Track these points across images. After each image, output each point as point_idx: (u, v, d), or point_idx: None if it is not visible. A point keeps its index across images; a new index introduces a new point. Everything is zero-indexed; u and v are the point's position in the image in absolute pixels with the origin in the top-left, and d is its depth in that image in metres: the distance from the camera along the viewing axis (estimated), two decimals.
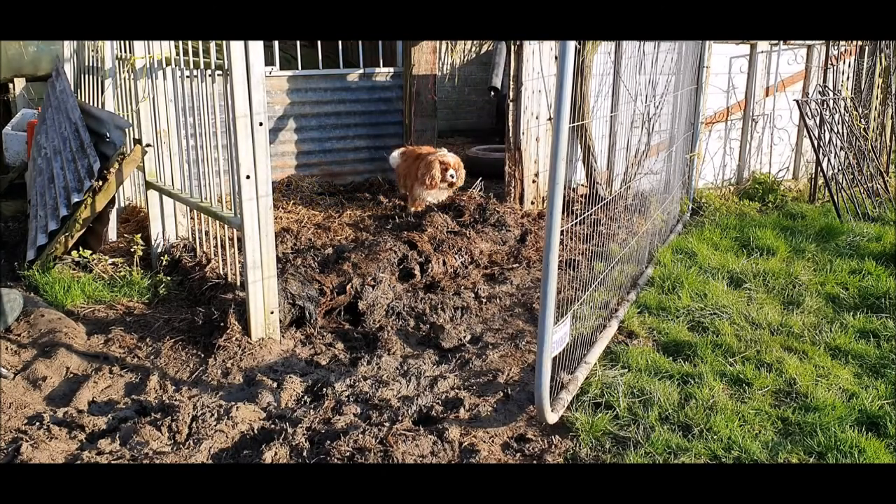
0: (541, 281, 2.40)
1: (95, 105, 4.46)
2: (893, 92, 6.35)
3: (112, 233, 4.37)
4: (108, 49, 4.27)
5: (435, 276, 3.97)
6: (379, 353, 3.14)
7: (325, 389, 2.81)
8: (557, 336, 2.47)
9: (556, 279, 2.35)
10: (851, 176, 5.69)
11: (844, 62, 6.20)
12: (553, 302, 2.36)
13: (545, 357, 2.41)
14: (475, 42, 9.20)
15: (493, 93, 8.77)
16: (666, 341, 3.26)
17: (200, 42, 3.46)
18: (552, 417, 2.55)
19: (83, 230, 3.96)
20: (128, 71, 4.09)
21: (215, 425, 2.51)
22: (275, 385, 2.86)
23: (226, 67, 2.99)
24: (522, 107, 5.17)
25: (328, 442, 2.42)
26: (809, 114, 5.69)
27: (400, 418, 2.61)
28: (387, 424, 2.53)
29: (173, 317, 3.49)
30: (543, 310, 2.37)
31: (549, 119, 5.28)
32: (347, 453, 2.35)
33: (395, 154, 5.42)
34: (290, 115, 6.00)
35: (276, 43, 5.96)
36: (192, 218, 4.13)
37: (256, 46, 2.96)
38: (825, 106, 5.76)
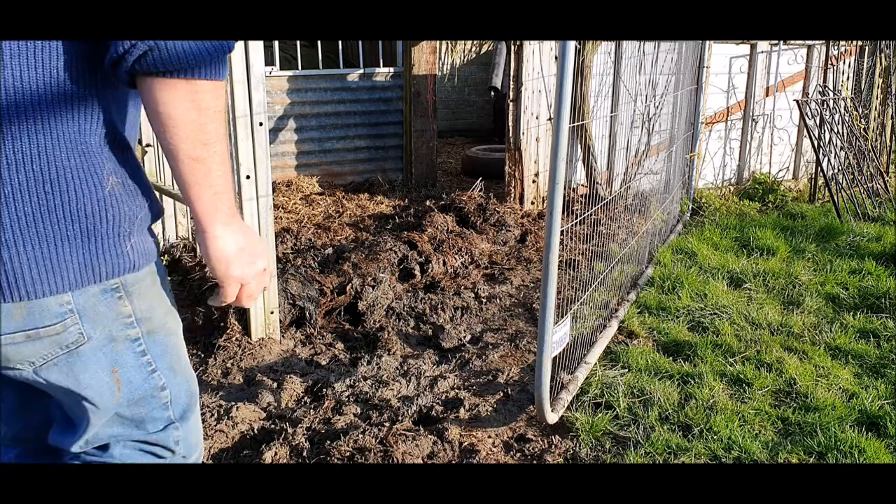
0: (541, 281, 2.40)
1: None
2: (893, 92, 6.35)
3: None
4: None
5: (435, 276, 3.97)
6: (379, 354, 3.14)
7: (325, 389, 2.81)
8: (557, 336, 2.47)
9: (556, 279, 2.35)
10: (851, 176, 5.70)
11: (844, 62, 6.21)
12: (553, 302, 2.36)
13: (545, 357, 2.41)
14: (475, 42, 9.21)
15: (493, 93, 8.79)
16: (666, 341, 3.26)
17: None
18: (552, 417, 2.55)
19: None
20: None
21: (215, 425, 2.51)
22: (275, 385, 2.86)
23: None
24: (522, 107, 5.17)
25: (328, 442, 2.42)
26: (809, 114, 5.69)
27: (400, 418, 2.61)
28: (387, 424, 2.53)
29: None
30: (543, 310, 2.37)
31: (549, 119, 5.28)
32: (347, 453, 2.36)
33: None
34: (290, 115, 6.00)
35: (276, 43, 5.97)
36: (192, 218, 4.13)
37: (256, 46, 2.97)
38: (825, 106, 5.76)
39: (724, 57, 5.94)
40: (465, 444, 2.47)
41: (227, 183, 1.08)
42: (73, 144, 1.00)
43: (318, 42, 6.02)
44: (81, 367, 1.07)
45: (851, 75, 6.26)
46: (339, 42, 6.02)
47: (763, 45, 6.05)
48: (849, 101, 6.01)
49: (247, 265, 1.14)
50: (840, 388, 2.86)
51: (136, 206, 1.11)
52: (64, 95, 0.99)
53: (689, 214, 5.41)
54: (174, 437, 1.24)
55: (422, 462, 2.37)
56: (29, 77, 0.97)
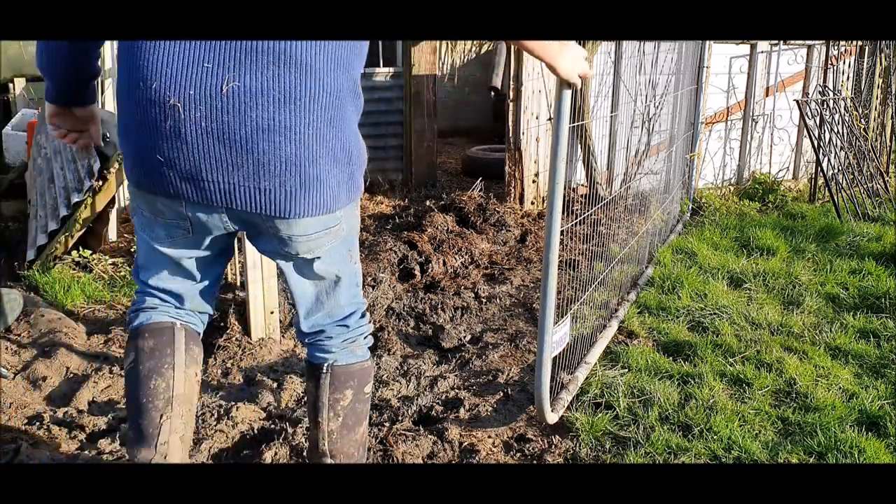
0: (541, 281, 2.40)
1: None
2: (893, 92, 6.35)
3: (112, 233, 4.37)
4: (109, 49, 4.27)
5: (435, 276, 3.97)
6: (379, 353, 3.14)
7: None
8: (557, 336, 2.47)
9: (555, 279, 2.35)
10: (851, 176, 5.70)
11: (844, 62, 6.21)
12: (553, 302, 2.36)
13: (545, 357, 2.41)
14: (475, 42, 9.20)
15: (493, 93, 8.79)
16: (666, 341, 3.26)
17: None
18: (552, 417, 2.55)
19: (83, 230, 3.96)
20: None
21: (215, 425, 2.51)
22: (275, 385, 2.86)
23: None
24: (522, 107, 5.17)
25: None
26: (809, 114, 5.69)
27: (400, 418, 2.61)
28: (387, 424, 2.53)
29: None
30: (543, 310, 2.37)
31: (549, 119, 5.28)
32: None
33: None
34: None
35: None
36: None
37: None
38: (825, 106, 5.76)
39: (724, 57, 5.94)
40: (465, 444, 2.47)
41: (552, 46, 1.72)
42: (347, 110, 1.57)
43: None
44: (336, 249, 1.71)
45: (851, 75, 6.26)
46: None
47: (763, 45, 6.05)
48: (849, 101, 6.01)
49: (579, 67, 1.83)
50: (840, 388, 2.86)
51: (364, 148, 1.69)
52: (352, 83, 1.57)
53: (689, 214, 5.41)
54: (361, 295, 1.89)
55: (422, 462, 2.37)
56: (336, 73, 1.51)
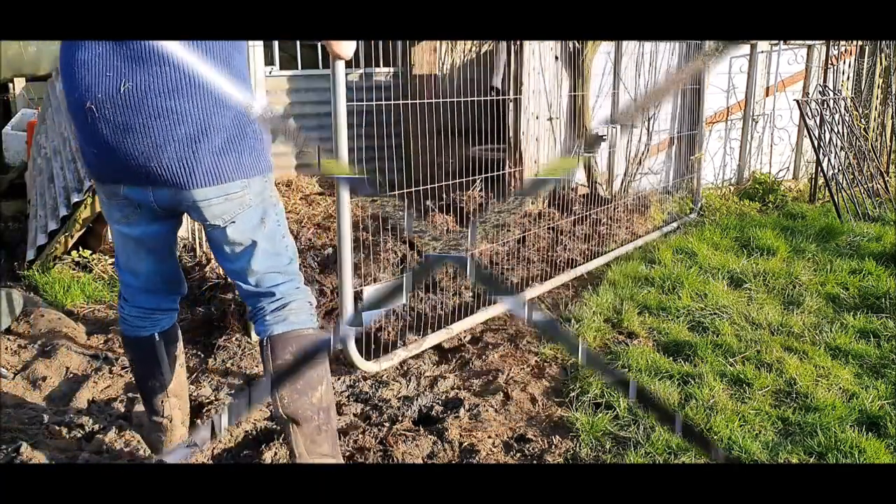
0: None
1: None
2: (893, 92, 6.35)
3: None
4: None
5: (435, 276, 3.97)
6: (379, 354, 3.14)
7: None
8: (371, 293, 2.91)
9: (350, 244, 2.84)
10: (851, 176, 5.69)
11: (844, 62, 6.20)
12: (349, 266, 2.85)
13: (346, 297, 2.84)
14: (475, 42, 9.19)
15: (493, 93, 8.77)
16: (666, 341, 3.26)
17: None
18: (368, 365, 2.90)
19: (83, 230, 3.96)
20: None
21: None
22: None
23: None
24: (522, 107, 5.17)
25: None
26: (809, 114, 5.69)
27: (400, 418, 2.61)
28: (387, 424, 2.53)
29: None
30: (340, 273, 2.82)
31: (550, 119, 5.28)
32: (347, 453, 2.35)
33: None
34: (290, 115, 6.00)
35: (275, 43, 5.97)
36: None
37: (256, 46, 2.97)
38: (825, 106, 5.76)
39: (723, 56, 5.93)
40: (465, 444, 2.47)
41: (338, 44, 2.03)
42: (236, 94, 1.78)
43: (319, 42, 6.00)
44: (248, 216, 1.91)
45: (851, 75, 6.26)
46: None
47: (763, 45, 6.05)
48: (849, 101, 6.01)
49: (351, 44, 2.07)
50: (840, 388, 2.86)
51: (267, 136, 1.95)
52: (235, 72, 1.86)
53: (694, 214, 5.40)
54: (295, 268, 2.06)
55: (422, 462, 2.37)
56: (213, 65, 1.78)
